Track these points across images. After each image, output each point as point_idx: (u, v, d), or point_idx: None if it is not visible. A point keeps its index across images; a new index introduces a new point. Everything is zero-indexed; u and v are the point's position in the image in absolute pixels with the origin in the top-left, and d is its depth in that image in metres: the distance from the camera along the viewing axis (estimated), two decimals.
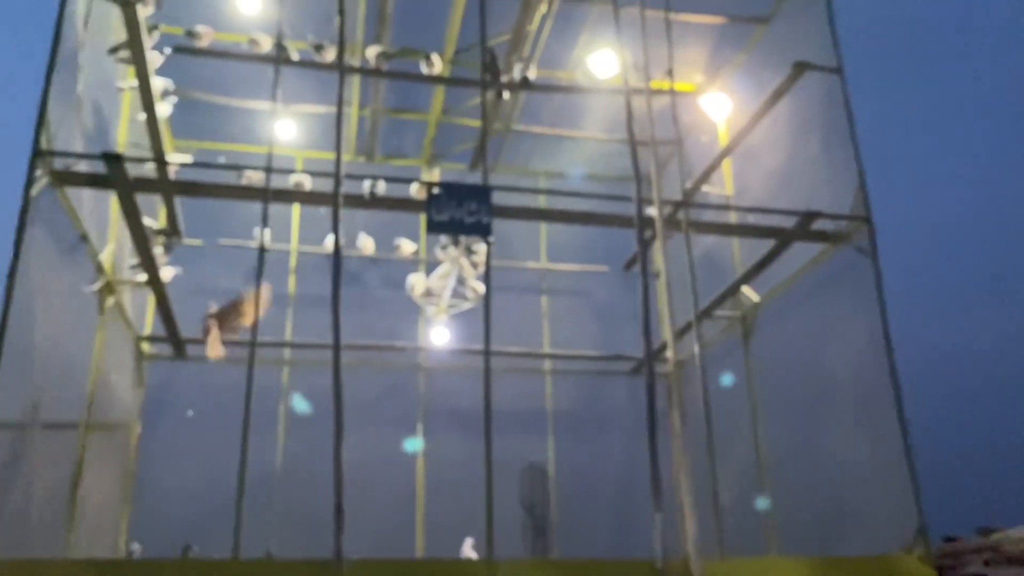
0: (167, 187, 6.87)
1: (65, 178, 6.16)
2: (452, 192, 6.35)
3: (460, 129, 11.46)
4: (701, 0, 9.20)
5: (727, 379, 9.21)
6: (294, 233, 11.47)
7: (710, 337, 10.07)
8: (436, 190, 6.33)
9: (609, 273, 11.59)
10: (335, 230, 5.93)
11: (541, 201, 10.44)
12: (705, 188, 9.84)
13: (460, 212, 6.28)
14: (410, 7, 9.10)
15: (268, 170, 6.23)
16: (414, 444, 10.20)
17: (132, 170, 6.39)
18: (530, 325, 11.64)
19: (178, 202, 10.20)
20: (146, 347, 10.38)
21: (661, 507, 5.77)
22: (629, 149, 6.76)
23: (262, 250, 6.13)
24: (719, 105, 9.90)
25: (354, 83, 10.23)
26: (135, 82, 7.60)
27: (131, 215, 6.74)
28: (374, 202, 6.60)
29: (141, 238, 7.21)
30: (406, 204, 6.59)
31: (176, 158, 8.42)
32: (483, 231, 6.32)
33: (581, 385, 11.43)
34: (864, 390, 6.81)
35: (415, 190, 7.84)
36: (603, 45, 9.05)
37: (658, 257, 12.18)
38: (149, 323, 10.41)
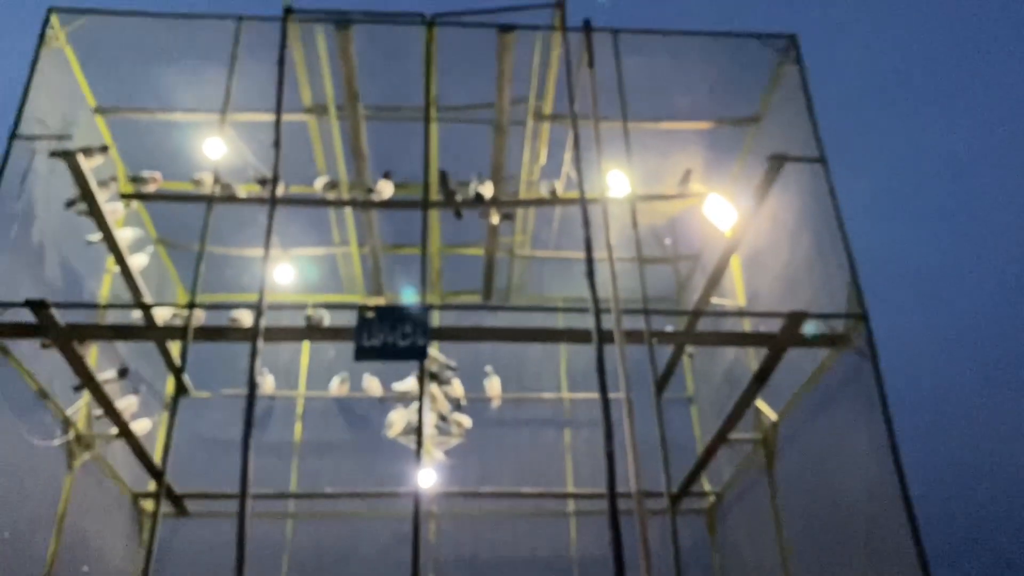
0: (100, 333, 6.66)
1: None
2: (385, 316, 5.90)
3: (468, 260, 11.19)
4: (688, 109, 8.89)
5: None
6: (302, 379, 11.17)
7: (737, 465, 9.10)
8: (370, 314, 5.90)
9: (635, 402, 10.70)
10: (252, 364, 5.50)
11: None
12: (716, 300, 9.12)
13: (393, 336, 5.80)
14: (387, 143, 9.04)
15: (191, 306, 5.92)
16: None
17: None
18: (551, 462, 10.80)
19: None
20: (149, 505, 10.02)
21: None
22: (584, 257, 6.19)
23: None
24: (723, 212, 9.30)
25: (348, 221, 10.15)
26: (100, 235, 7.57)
27: (75, 364, 6.52)
28: (311, 332, 6.20)
29: (95, 388, 6.97)
30: (346, 333, 6.14)
31: (160, 309, 8.27)
32: (418, 355, 5.80)
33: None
34: (878, 516, 5.77)
35: None
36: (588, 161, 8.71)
37: (688, 378, 11.49)
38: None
